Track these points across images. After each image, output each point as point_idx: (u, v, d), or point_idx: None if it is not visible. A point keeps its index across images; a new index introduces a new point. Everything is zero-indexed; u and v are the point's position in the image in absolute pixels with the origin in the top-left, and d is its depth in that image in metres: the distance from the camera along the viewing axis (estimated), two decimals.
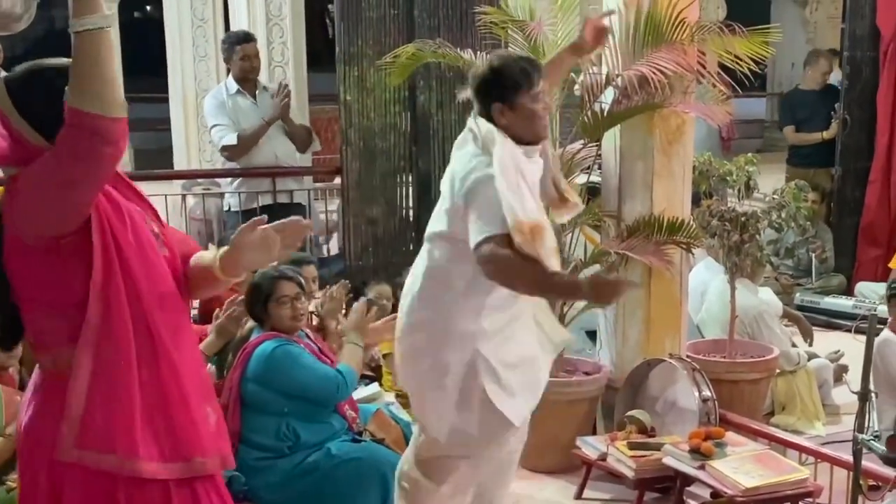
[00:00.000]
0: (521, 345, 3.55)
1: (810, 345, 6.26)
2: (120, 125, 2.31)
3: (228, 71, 6.82)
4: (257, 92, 6.62)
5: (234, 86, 6.61)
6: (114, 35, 2.35)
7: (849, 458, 3.57)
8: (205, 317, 5.70)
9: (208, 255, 2.74)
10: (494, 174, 3.23)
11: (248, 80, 6.61)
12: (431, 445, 3.62)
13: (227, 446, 2.73)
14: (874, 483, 4.06)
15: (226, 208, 7.11)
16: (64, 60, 2.45)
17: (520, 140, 3.39)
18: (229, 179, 6.90)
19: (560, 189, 3.65)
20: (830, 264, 8.05)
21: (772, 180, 6.60)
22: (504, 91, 3.39)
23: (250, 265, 2.75)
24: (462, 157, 3.44)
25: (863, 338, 3.36)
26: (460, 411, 3.48)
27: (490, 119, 3.41)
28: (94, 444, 2.47)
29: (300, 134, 6.66)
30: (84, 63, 2.28)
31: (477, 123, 3.43)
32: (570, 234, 5.09)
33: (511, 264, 3.19)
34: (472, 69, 3.60)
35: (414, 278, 3.60)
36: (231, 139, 6.46)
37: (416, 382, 3.64)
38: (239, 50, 6.56)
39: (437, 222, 3.52)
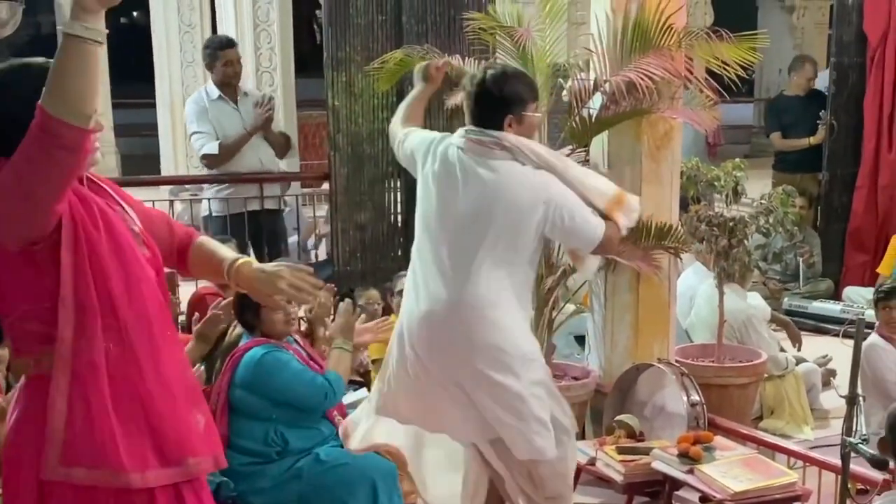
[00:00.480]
0: None
1: (798, 349, 6.28)
2: (81, 134, 2.28)
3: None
4: (238, 98, 6.60)
5: (215, 91, 6.59)
6: (101, 52, 2.32)
7: (837, 461, 3.58)
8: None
9: (225, 254, 2.81)
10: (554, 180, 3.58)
11: (229, 86, 6.60)
12: (546, 470, 3.71)
13: (219, 446, 2.71)
14: (862, 487, 4.06)
15: (205, 213, 7.10)
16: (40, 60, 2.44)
17: None
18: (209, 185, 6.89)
19: None
20: (818, 269, 8.08)
21: (759, 186, 6.61)
22: (517, 104, 3.56)
23: (257, 293, 2.80)
24: (521, 180, 3.55)
25: (851, 342, 3.37)
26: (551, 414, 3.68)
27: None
28: (80, 460, 2.45)
29: (278, 141, 6.65)
30: (62, 67, 2.25)
31: (507, 139, 3.55)
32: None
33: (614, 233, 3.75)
34: (473, 81, 3.66)
35: (470, 316, 3.61)
36: (212, 148, 6.44)
37: (520, 419, 3.65)
38: (222, 55, 6.54)
39: (502, 251, 3.59)
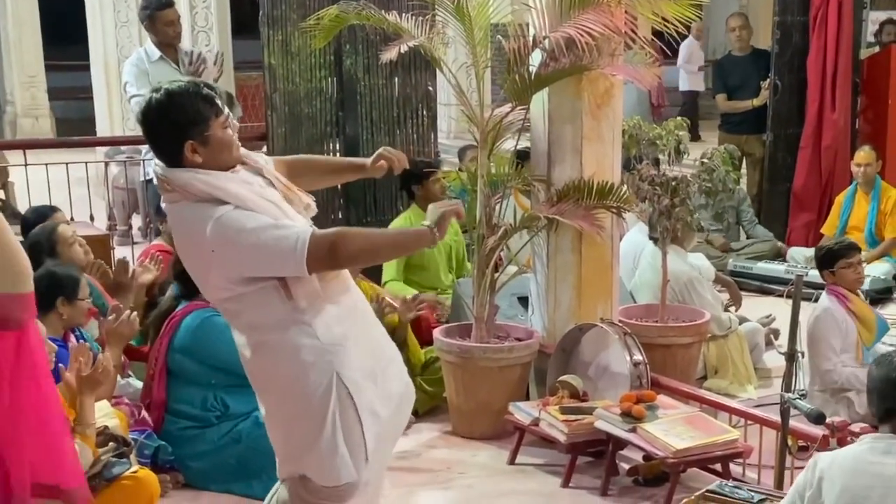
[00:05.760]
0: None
1: (737, 311, 6.28)
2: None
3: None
4: (180, 58, 6.47)
5: (155, 52, 6.46)
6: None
7: (777, 418, 3.57)
8: None
9: None
10: (225, 211, 2.93)
11: (170, 47, 6.47)
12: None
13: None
14: (803, 444, 4.07)
15: (143, 178, 6.96)
16: None
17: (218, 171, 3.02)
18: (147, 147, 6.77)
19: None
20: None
21: (705, 147, 6.58)
22: (195, 125, 2.96)
23: None
24: (186, 228, 3.04)
25: None
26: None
27: (175, 163, 3.00)
28: None
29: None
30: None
31: (170, 177, 2.99)
32: (501, 200, 5.03)
33: (341, 240, 2.96)
34: (140, 111, 3.06)
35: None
36: None
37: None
38: (160, 16, 6.41)
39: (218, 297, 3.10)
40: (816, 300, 5.22)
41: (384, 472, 3.43)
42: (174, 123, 2.95)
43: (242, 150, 3.11)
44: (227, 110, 3.04)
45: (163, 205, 3.11)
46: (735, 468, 4.27)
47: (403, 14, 5.10)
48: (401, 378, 3.29)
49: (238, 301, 3.03)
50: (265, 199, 2.99)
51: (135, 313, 4.40)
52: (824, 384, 5.05)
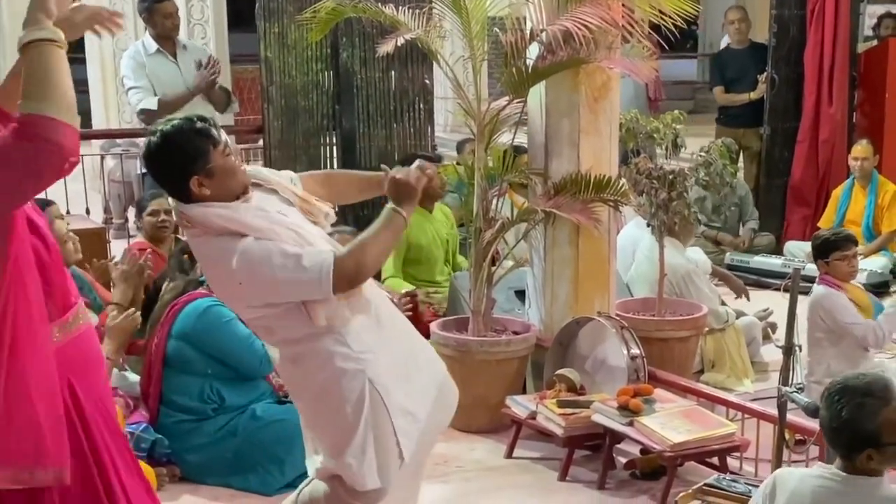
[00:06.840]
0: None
1: (747, 299, 6.28)
2: (68, 129, 2.35)
3: (145, 29, 6.65)
4: (177, 51, 6.47)
5: (153, 45, 6.45)
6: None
7: (774, 412, 3.57)
8: None
9: None
10: (247, 245, 2.96)
11: (168, 39, 6.46)
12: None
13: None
14: (800, 437, 4.07)
15: (139, 171, 6.95)
16: None
17: (229, 199, 3.04)
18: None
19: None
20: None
21: (703, 141, 6.56)
22: (198, 160, 2.97)
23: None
24: (210, 257, 3.10)
25: None
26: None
27: (187, 199, 3.02)
28: None
29: (218, 95, 6.54)
30: (33, 73, 2.35)
31: (188, 213, 3.03)
32: (497, 195, 5.03)
33: (360, 258, 3.01)
34: (143, 157, 3.18)
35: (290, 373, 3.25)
36: (150, 103, 6.30)
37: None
38: (159, 8, 6.41)
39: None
40: None
41: (424, 464, 3.47)
42: (176, 163, 2.99)
43: (256, 172, 3.15)
44: (224, 137, 3.06)
45: (187, 239, 3.19)
46: (732, 462, 4.29)
47: (400, 7, 5.12)
48: (435, 370, 3.34)
49: (269, 320, 3.09)
50: (283, 227, 3.02)
51: (137, 311, 4.41)
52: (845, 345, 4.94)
